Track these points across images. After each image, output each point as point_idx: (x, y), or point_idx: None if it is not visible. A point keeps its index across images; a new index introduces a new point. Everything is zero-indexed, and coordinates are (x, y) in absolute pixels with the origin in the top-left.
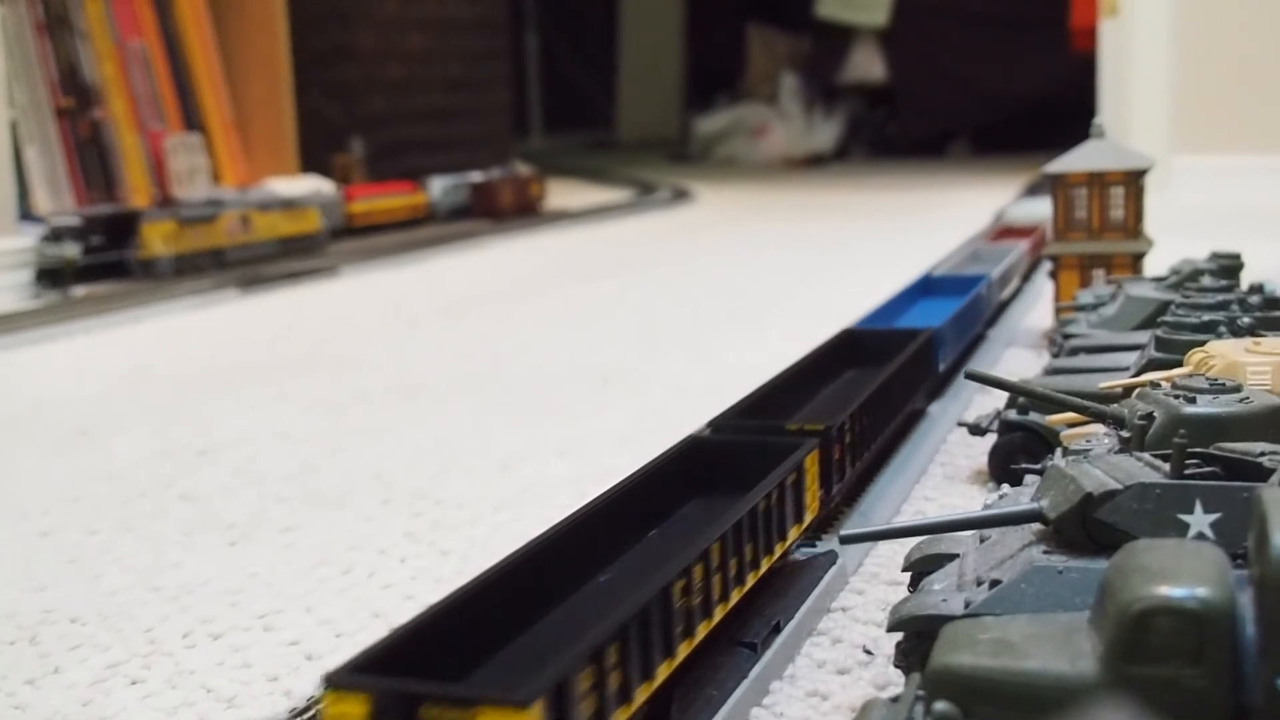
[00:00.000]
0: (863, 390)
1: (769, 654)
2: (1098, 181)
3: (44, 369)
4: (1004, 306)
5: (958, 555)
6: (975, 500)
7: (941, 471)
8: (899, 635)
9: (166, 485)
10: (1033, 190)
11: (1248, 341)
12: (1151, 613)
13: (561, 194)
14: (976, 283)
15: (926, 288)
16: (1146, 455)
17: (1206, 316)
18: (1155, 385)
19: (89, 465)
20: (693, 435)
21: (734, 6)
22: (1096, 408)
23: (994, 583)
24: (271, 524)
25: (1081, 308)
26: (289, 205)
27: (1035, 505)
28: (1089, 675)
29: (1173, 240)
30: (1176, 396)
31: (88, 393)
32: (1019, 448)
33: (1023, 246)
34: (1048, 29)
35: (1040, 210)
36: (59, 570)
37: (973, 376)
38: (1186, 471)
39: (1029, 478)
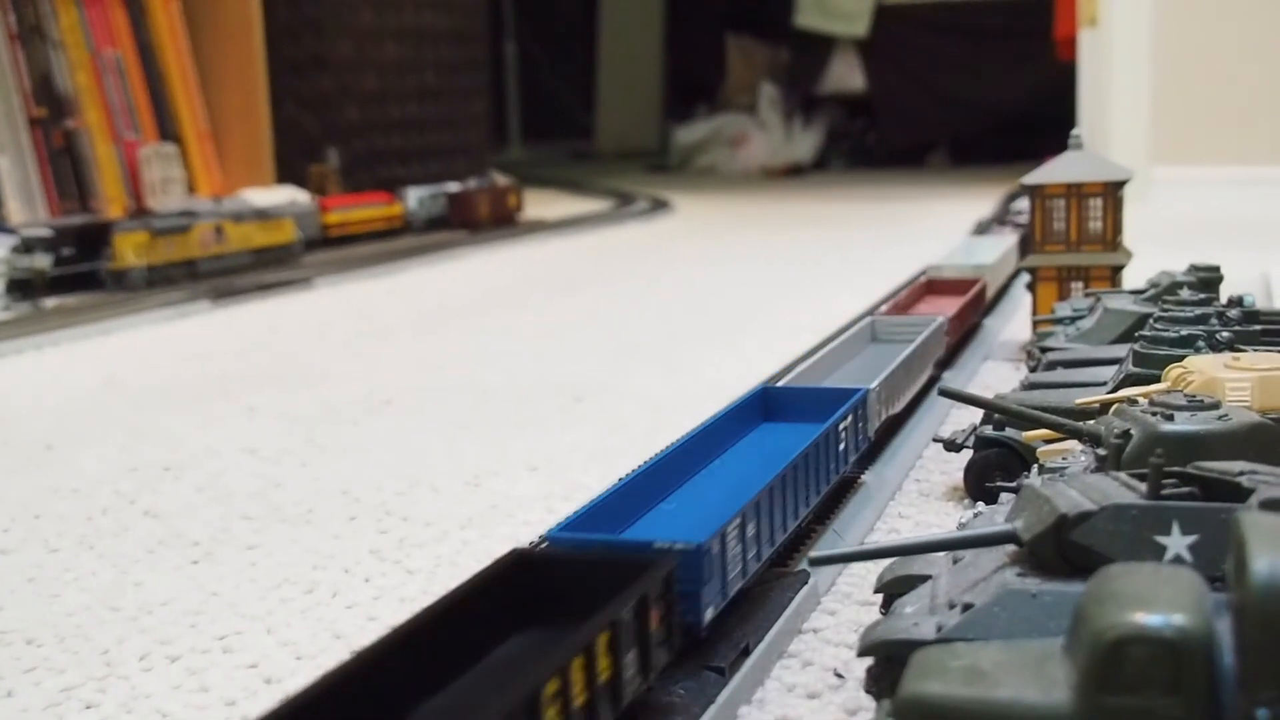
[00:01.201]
0: None
1: (737, 678)
2: (1076, 193)
3: (12, 381)
4: (900, 421)
5: (930, 576)
6: (950, 517)
7: (917, 488)
8: (870, 659)
9: (130, 501)
10: (989, 221)
11: (1227, 357)
12: (1126, 641)
13: (539, 204)
14: (841, 403)
15: (766, 406)
16: (1123, 475)
17: (1185, 331)
18: (1132, 402)
19: (53, 480)
20: None
21: (713, 17)
22: (1072, 425)
23: (966, 606)
24: (235, 542)
25: (1059, 321)
26: (263, 216)
27: (1009, 526)
28: (1062, 706)
29: (1152, 252)
30: (1154, 413)
31: (55, 406)
32: (995, 464)
33: (939, 321)
34: (1027, 40)
35: (988, 251)
36: (17, 589)
37: (946, 393)
38: (1164, 492)
39: (1004, 496)
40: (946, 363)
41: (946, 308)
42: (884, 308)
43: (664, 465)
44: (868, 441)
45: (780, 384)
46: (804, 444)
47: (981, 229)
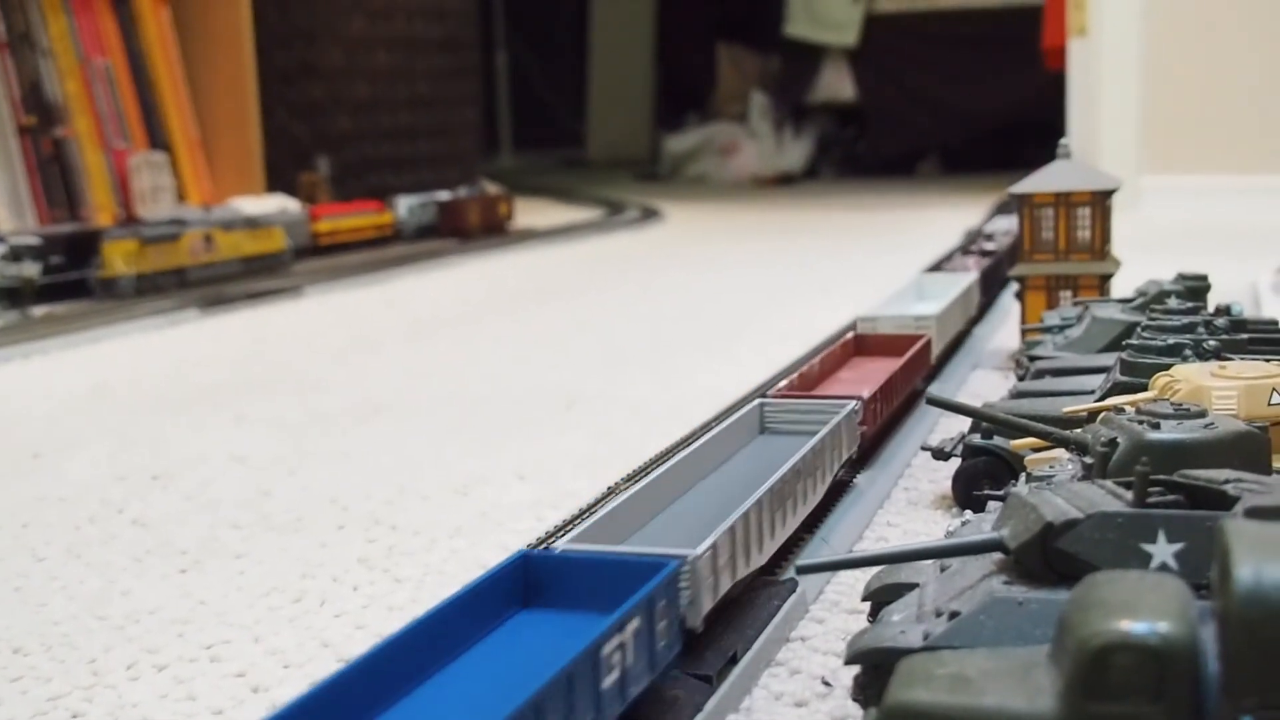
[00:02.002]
0: None
1: (725, 686)
2: (1064, 202)
3: (0, 389)
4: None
5: (918, 585)
6: (938, 525)
7: (905, 496)
8: (857, 667)
9: (118, 510)
10: (952, 251)
11: (1213, 365)
12: (1111, 649)
13: (530, 213)
14: (636, 583)
15: (528, 586)
16: (1109, 483)
17: (1172, 339)
18: (1119, 410)
19: (40, 489)
20: None
21: (704, 25)
22: (1059, 434)
23: (953, 614)
24: (224, 550)
25: (1048, 329)
26: (253, 224)
27: (996, 534)
28: (1047, 713)
29: (1140, 261)
30: (1140, 422)
31: (43, 414)
32: (983, 473)
33: (849, 408)
34: (1017, 49)
35: (937, 296)
36: (3, 598)
37: (934, 401)
38: (1150, 500)
39: (992, 504)
40: (862, 461)
41: (873, 376)
42: (784, 382)
43: (350, 686)
44: (681, 641)
45: (588, 523)
46: (555, 666)
47: (941, 261)
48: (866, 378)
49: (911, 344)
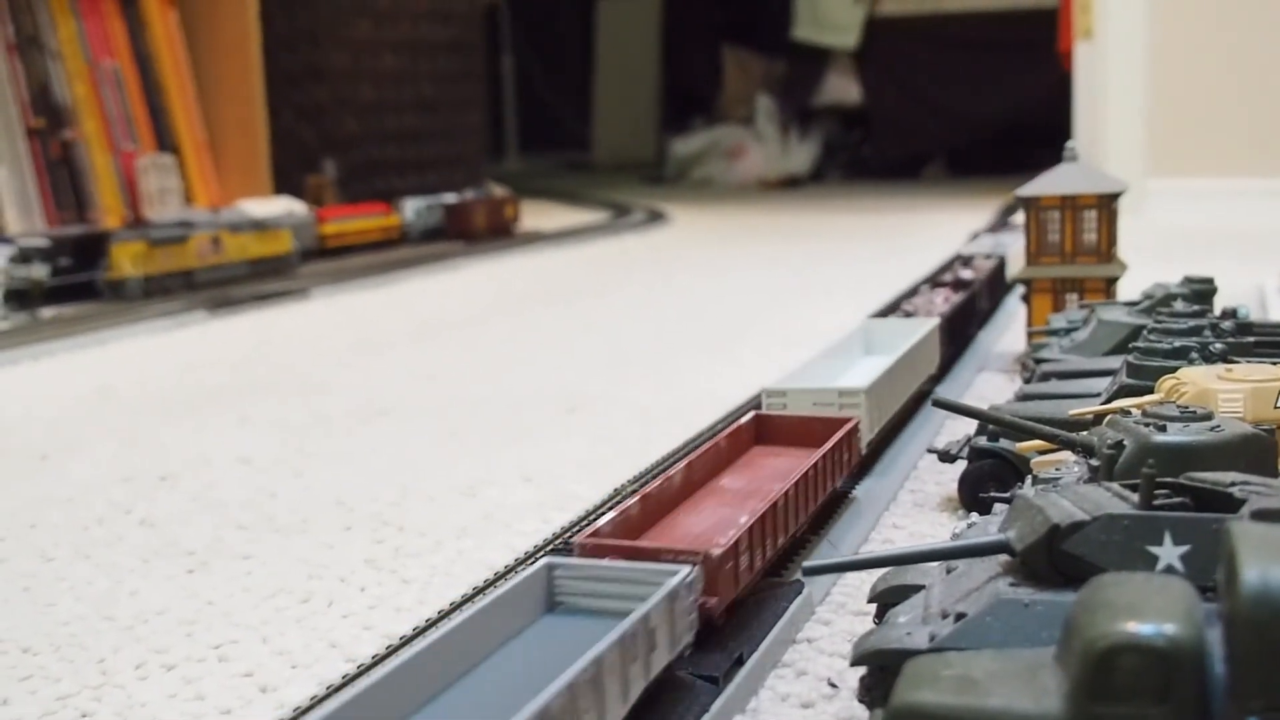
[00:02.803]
0: None
1: (731, 687)
2: (1070, 205)
3: (8, 391)
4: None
5: (924, 586)
6: (944, 527)
7: (911, 499)
8: (863, 669)
9: (125, 511)
10: (906, 293)
11: (1220, 368)
12: (1117, 650)
13: (536, 215)
14: None
15: None
16: (1115, 485)
17: (1178, 342)
18: (1126, 413)
19: (47, 490)
20: None
21: (710, 28)
22: (1065, 436)
23: (959, 615)
24: (230, 551)
25: (1054, 332)
26: (260, 226)
27: (1002, 536)
28: (1053, 714)
29: (1146, 264)
30: (1146, 424)
31: (50, 416)
32: (989, 475)
33: (679, 577)
34: (1023, 52)
35: (880, 355)
36: (12, 598)
37: (940, 404)
38: (1156, 502)
39: (998, 506)
40: (707, 640)
41: (761, 488)
42: (609, 515)
43: None
44: None
45: None
46: None
47: (902, 297)
48: (753, 491)
49: (833, 430)
